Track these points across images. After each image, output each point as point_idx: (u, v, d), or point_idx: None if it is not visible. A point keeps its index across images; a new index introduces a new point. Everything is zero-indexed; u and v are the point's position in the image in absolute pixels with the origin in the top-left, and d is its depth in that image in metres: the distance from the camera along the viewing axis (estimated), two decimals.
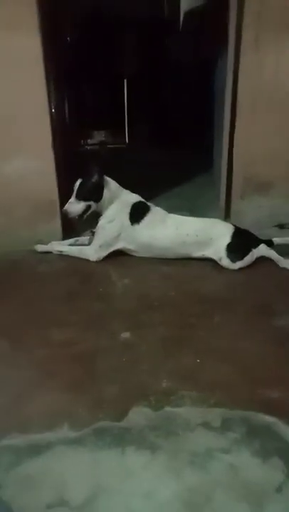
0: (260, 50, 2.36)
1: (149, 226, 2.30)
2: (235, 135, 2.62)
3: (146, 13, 5.40)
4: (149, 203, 2.39)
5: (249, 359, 1.53)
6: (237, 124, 2.57)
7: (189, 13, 5.42)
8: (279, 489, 1.06)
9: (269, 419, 1.25)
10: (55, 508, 1.03)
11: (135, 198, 2.38)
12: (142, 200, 2.39)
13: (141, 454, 1.15)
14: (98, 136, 6.21)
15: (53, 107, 2.40)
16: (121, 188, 2.37)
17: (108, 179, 2.33)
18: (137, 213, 2.32)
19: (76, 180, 2.29)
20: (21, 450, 1.16)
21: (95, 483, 1.08)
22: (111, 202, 2.32)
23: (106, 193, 2.30)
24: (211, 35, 3.50)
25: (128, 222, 2.30)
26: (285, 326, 1.73)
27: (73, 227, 2.53)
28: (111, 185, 2.33)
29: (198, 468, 1.11)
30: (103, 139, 6.19)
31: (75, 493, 1.06)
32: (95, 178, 2.26)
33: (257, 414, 1.27)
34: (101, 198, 2.29)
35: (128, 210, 2.32)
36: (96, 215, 2.34)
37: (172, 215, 2.37)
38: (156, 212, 2.36)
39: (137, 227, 2.30)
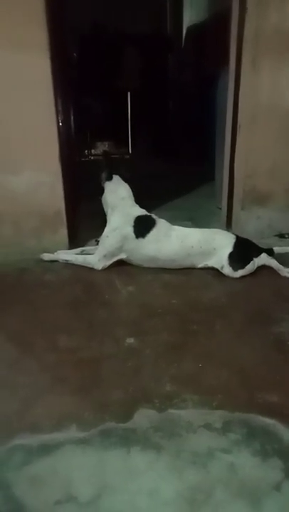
0: (257, 71, 2.49)
1: (154, 240, 2.33)
2: (236, 149, 2.72)
3: (151, 29, 5.56)
4: (154, 216, 2.41)
5: (249, 364, 1.59)
6: (238, 138, 2.68)
7: (192, 29, 5.57)
8: (277, 487, 1.11)
9: (268, 421, 1.30)
10: (63, 504, 1.08)
11: (139, 211, 2.40)
12: (147, 213, 2.41)
13: (145, 454, 1.20)
14: (102, 147, 6.33)
15: (60, 120, 2.49)
16: (127, 198, 2.40)
17: (117, 185, 2.41)
18: (142, 227, 2.33)
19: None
20: (32, 449, 1.21)
21: (101, 481, 1.13)
22: (113, 208, 2.39)
23: (108, 195, 2.40)
24: (213, 50, 3.61)
25: (132, 235, 2.32)
26: (283, 333, 1.78)
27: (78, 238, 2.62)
28: (116, 192, 2.40)
29: (199, 468, 1.16)
30: (107, 149, 6.30)
31: (82, 490, 1.11)
32: (102, 176, 2.43)
33: (257, 417, 1.32)
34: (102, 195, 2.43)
35: (131, 222, 2.34)
36: (104, 222, 2.41)
37: (176, 227, 2.40)
38: (161, 226, 2.37)
39: (142, 240, 2.33)
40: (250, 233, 2.60)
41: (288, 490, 1.10)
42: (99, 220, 2.48)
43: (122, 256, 2.39)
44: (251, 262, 2.29)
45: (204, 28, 4.92)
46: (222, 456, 1.20)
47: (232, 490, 1.10)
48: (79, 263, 2.43)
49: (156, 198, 3.25)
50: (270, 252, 2.37)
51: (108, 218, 2.41)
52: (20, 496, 1.10)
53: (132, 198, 2.44)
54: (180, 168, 4.82)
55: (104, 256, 2.37)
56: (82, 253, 2.53)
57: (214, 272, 2.33)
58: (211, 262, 2.34)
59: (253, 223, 2.79)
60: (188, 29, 5.73)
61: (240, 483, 1.12)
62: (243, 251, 2.31)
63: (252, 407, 1.37)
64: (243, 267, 2.28)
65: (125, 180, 2.44)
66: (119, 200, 2.40)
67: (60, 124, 2.49)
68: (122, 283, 2.27)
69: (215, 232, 2.43)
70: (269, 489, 1.10)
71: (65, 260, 2.47)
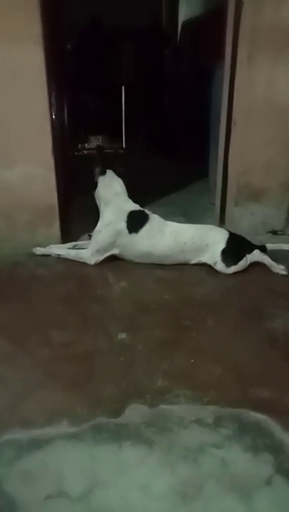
0: (253, 66, 2.48)
1: (147, 236, 2.32)
2: (231, 145, 2.71)
3: (146, 23, 5.50)
4: (147, 211, 2.40)
5: (241, 360, 1.60)
6: (232, 135, 2.68)
7: (187, 24, 5.54)
8: (268, 482, 1.12)
9: (260, 416, 1.31)
10: (54, 499, 1.08)
11: (132, 206, 2.38)
12: (140, 208, 2.40)
13: (137, 449, 1.21)
14: (96, 141, 6.28)
15: (53, 113, 2.46)
16: (121, 193, 2.39)
17: (110, 180, 2.39)
18: (135, 222, 2.32)
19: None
20: (23, 444, 1.21)
21: (92, 476, 1.13)
22: (106, 203, 2.37)
23: (102, 190, 2.38)
24: (208, 45, 3.59)
25: (125, 230, 2.31)
26: (275, 329, 1.79)
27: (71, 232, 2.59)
28: (110, 187, 2.38)
29: (191, 463, 1.17)
30: (100, 143, 6.26)
31: (73, 485, 1.11)
32: (96, 170, 2.41)
33: (248, 412, 1.33)
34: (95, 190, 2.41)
35: (124, 218, 2.32)
36: (97, 217, 2.40)
37: (170, 223, 2.39)
38: (154, 222, 2.35)
39: (135, 236, 2.31)
40: (243, 230, 2.60)
41: (279, 485, 1.11)
42: (92, 215, 2.46)
43: (115, 251, 2.38)
44: (244, 258, 2.30)
45: (200, 23, 4.89)
46: (213, 451, 1.20)
47: (223, 485, 1.11)
48: (71, 258, 2.41)
49: (149, 193, 3.24)
50: (262, 249, 2.38)
51: (101, 213, 2.40)
52: (11, 491, 1.09)
53: (126, 193, 2.42)
54: (174, 163, 4.80)
55: (97, 251, 2.36)
56: (74, 248, 2.51)
57: (207, 267, 2.33)
58: (204, 258, 2.34)
59: (247, 220, 2.79)
60: (184, 23, 5.69)
61: (232, 478, 1.13)
62: (236, 247, 2.32)
63: (244, 402, 1.37)
64: (235, 263, 2.28)
65: (119, 175, 2.43)
66: (112, 195, 2.38)
67: (54, 117, 2.47)
68: (114, 278, 2.26)
69: (208, 228, 2.43)
70: (260, 484, 1.11)
71: (58, 255, 2.45)
